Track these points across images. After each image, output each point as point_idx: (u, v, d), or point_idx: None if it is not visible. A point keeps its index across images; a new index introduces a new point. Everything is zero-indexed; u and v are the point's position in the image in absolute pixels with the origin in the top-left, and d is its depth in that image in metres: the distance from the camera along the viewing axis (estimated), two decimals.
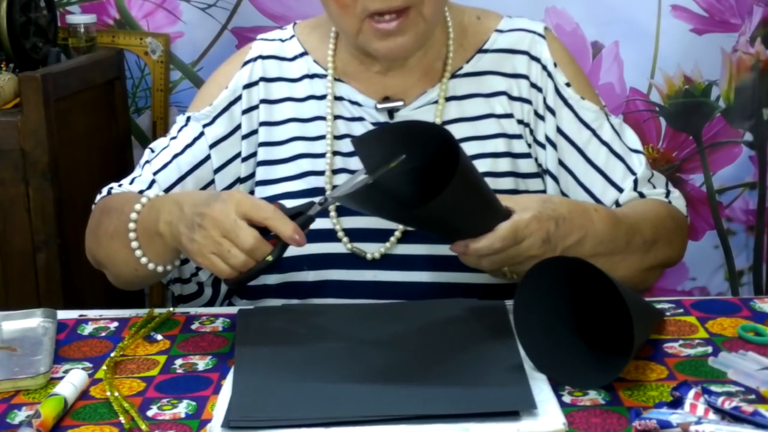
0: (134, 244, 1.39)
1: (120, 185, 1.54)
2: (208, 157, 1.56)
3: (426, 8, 1.44)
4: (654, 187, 1.54)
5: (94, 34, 2.42)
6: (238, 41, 2.42)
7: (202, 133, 1.56)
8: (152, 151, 1.57)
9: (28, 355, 1.31)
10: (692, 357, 1.24)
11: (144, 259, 1.40)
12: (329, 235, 1.50)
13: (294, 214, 1.29)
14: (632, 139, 1.57)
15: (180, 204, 1.34)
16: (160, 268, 1.41)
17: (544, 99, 1.55)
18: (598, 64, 2.38)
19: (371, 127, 1.54)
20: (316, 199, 1.31)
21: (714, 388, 1.13)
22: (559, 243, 1.33)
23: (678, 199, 1.56)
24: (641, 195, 1.52)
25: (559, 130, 1.54)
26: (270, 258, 1.26)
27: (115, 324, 1.41)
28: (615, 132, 1.55)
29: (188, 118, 1.58)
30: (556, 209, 1.33)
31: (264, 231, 1.27)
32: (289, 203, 1.35)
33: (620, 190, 1.52)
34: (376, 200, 1.30)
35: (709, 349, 1.26)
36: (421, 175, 1.30)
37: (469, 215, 1.27)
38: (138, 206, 1.40)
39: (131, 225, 1.39)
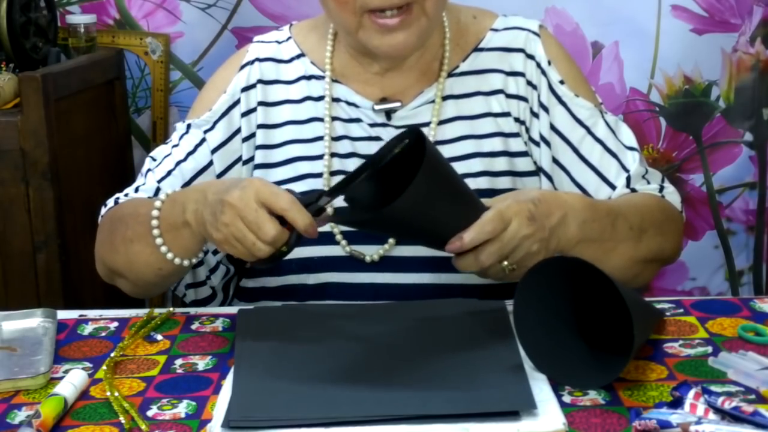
0: (159, 240, 1.38)
1: (126, 195, 1.53)
2: (210, 163, 1.55)
3: (428, 4, 1.44)
4: (648, 183, 1.54)
5: (94, 34, 2.42)
6: (238, 41, 2.42)
7: (203, 140, 1.56)
8: (154, 159, 1.57)
9: (28, 355, 1.31)
10: (692, 357, 1.24)
11: (170, 255, 1.38)
12: (328, 238, 1.49)
13: (305, 204, 1.28)
14: (627, 136, 1.56)
15: (204, 191, 1.34)
16: (185, 262, 1.40)
17: (539, 96, 1.55)
18: (598, 64, 2.38)
19: (368, 129, 1.54)
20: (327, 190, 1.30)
21: (714, 388, 1.12)
22: (545, 221, 1.32)
23: (672, 194, 1.55)
24: (634, 192, 1.52)
25: (553, 128, 1.54)
26: (285, 248, 1.27)
27: (115, 324, 1.41)
28: (610, 129, 1.55)
29: (189, 126, 1.58)
30: (529, 193, 1.36)
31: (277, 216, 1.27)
32: None
33: (614, 187, 1.52)
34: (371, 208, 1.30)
35: (709, 349, 1.26)
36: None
37: (449, 210, 1.26)
38: (158, 203, 1.39)
39: (154, 222, 1.38)
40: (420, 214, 1.24)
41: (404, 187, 1.22)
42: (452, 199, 1.27)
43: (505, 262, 1.31)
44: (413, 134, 1.29)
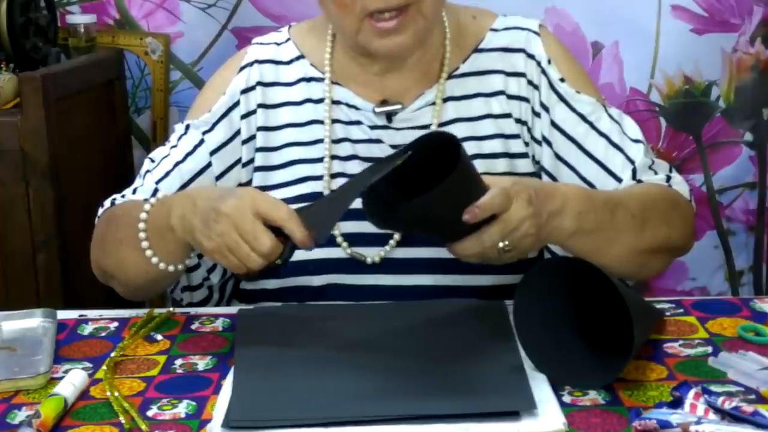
0: (144, 243, 1.38)
1: (123, 196, 1.53)
2: (209, 164, 1.55)
3: (425, 6, 1.44)
4: (655, 174, 1.52)
5: (94, 34, 2.42)
6: (238, 41, 2.42)
7: (202, 141, 1.56)
8: (152, 161, 1.56)
9: (28, 355, 1.31)
10: (692, 357, 1.24)
11: (155, 259, 1.38)
12: (329, 240, 1.49)
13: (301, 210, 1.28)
14: (632, 129, 1.55)
15: (193, 198, 1.33)
16: (171, 268, 1.39)
17: (540, 96, 1.54)
18: (598, 64, 2.38)
19: (369, 131, 1.54)
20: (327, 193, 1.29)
21: (714, 388, 1.13)
22: (542, 208, 1.31)
23: (679, 184, 1.53)
24: (640, 183, 1.50)
25: (555, 126, 1.53)
26: (279, 261, 1.26)
27: (115, 324, 1.41)
28: (615, 122, 1.54)
29: (187, 126, 1.57)
30: (528, 183, 1.33)
31: (273, 227, 1.26)
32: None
33: (620, 180, 1.51)
34: (378, 202, 1.29)
35: (709, 349, 1.26)
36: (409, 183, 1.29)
37: (465, 203, 1.25)
38: (147, 206, 1.39)
39: (141, 225, 1.38)
40: (457, 197, 1.24)
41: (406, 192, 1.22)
42: (471, 194, 1.26)
43: (501, 244, 1.28)
44: (422, 142, 1.28)
